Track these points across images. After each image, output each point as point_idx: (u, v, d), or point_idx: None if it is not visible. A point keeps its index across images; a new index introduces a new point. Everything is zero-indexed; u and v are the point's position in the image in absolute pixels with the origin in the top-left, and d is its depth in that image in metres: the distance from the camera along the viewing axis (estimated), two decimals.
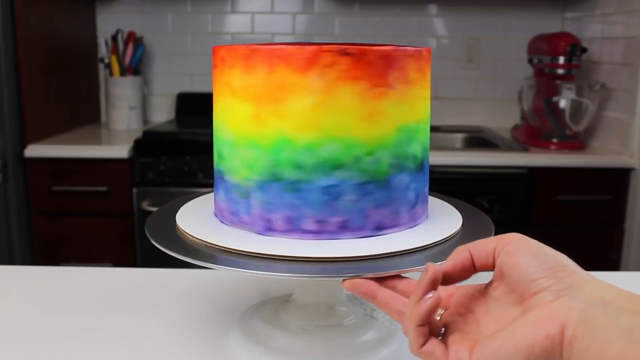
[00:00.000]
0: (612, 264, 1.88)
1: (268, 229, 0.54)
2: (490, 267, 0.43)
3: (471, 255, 0.44)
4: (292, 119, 0.52)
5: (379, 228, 0.54)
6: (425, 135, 0.57)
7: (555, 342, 0.36)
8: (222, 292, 0.76)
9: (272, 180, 0.53)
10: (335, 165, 0.52)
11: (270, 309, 0.63)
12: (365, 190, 0.53)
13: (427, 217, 0.60)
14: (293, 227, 0.53)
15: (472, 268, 0.44)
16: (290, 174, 0.52)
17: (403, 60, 0.53)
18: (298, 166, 0.52)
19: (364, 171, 0.52)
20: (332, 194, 0.52)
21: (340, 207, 0.53)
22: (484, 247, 0.43)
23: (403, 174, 0.55)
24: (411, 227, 0.57)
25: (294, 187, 0.52)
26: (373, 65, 0.51)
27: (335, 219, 0.53)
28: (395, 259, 0.51)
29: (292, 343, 0.58)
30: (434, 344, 0.42)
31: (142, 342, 0.64)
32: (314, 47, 0.51)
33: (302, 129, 0.51)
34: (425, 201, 0.60)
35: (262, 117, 0.53)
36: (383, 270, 0.49)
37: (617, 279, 0.90)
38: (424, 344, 0.42)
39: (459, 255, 0.44)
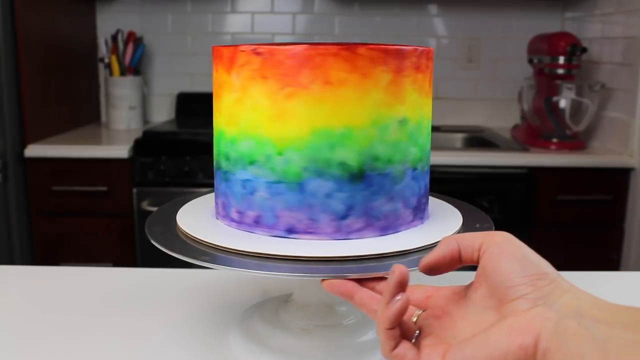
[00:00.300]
0: (612, 264, 1.88)
1: (217, 212, 0.60)
2: (475, 262, 0.43)
3: (459, 247, 0.43)
4: (223, 114, 0.56)
5: (291, 231, 0.53)
6: (372, 143, 0.52)
7: (529, 353, 0.36)
8: (222, 292, 0.76)
9: (217, 168, 0.59)
10: (250, 161, 0.54)
11: (270, 309, 0.63)
12: (276, 190, 0.53)
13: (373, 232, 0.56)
14: (225, 214, 0.58)
15: (458, 260, 0.43)
16: (223, 164, 0.57)
17: (319, 59, 0.50)
18: (227, 158, 0.56)
19: (274, 170, 0.52)
20: (248, 188, 0.54)
21: (254, 202, 0.54)
22: (471, 241, 0.43)
23: (322, 180, 0.52)
24: (337, 239, 0.53)
25: (226, 176, 0.57)
26: (282, 65, 0.51)
27: (251, 213, 0.55)
28: (394, 259, 0.51)
29: (292, 343, 0.58)
30: (405, 347, 0.41)
31: (142, 342, 0.64)
32: (233, 47, 0.53)
33: (228, 124, 0.55)
34: (378, 218, 0.54)
35: (215, 111, 0.58)
36: (383, 270, 0.49)
37: (617, 279, 0.90)
38: (395, 347, 0.41)
39: (448, 246, 0.44)
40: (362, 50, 0.51)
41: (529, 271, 0.39)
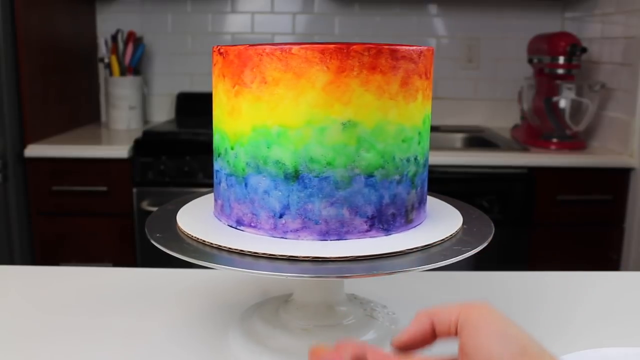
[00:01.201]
0: (612, 264, 1.88)
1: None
2: (453, 336, 0.41)
3: (432, 323, 0.41)
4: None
5: (239, 223, 0.56)
6: (308, 144, 0.51)
7: None
8: (222, 292, 0.76)
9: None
10: (218, 153, 0.58)
11: (270, 309, 0.63)
12: (230, 182, 0.56)
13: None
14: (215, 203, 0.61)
15: (432, 336, 0.41)
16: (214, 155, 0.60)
17: (257, 59, 0.51)
18: (212, 150, 0.60)
19: (229, 164, 0.56)
20: (218, 178, 0.59)
21: (219, 191, 0.58)
22: (446, 316, 0.40)
23: (261, 176, 0.53)
24: (276, 237, 0.53)
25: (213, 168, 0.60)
26: (232, 64, 0.53)
27: (219, 201, 0.59)
28: (394, 259, 0.51)
29: (292, 343, 0.58)
30: None
31: (142, 342, 0.64)
32: (214, 47, 0.56)
33: (213, 118, 0.59)
34: (316, 221, 0.53)
35: None
36: (382, 270, 0.49)
37: (617, 279, 0.90)
38: None
39: (419, 324, 0.41)
40: (295, 49, 0.50)
41: (510, 349, 0.37)
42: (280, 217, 0.53)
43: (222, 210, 0.58)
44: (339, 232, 0.53)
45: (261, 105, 0.52)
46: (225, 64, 0.54)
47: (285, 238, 0.53)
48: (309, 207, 0.52)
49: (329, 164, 0.51)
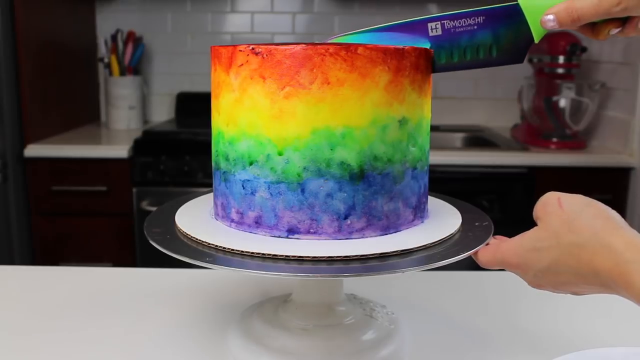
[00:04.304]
0: None
1: (217, 213, 0.59)
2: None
3: None
4: (222, 114, 0.56)
5: (292, 231, 0.53)
6: (372, 142, 0.52)
7: None
8: (221, 292, 0.76)
9: (216, 168, 0.59)
10: (250, 162, 0.54)
11: (270, 308, 0.63)
12: (276, 190, 0.53)
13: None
14: (225, 214, 0.57)
15: None
16: (223, 164, 0.57)
17: (318, 59, 0.50)
18: (226, 158, 0.56)
19: (275, 170, 0.53)
20: (248, 188, 0.54)
21: (254, 202, 0.54)
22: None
23: (323, 180, 0.52)
24: (339, 239, 0.53)
25: (225, 177, 0.56)
26: (281, 65, 0.51)
27: (252, 213, 0.55)
28: (394, 258, 0.51)
29: (291, 343, 0.58)
30: None
31: (141, 342, 0.64)
32: (231, 47, 0.53)
33: (227, 124, 0.55)
34: (379, 217, 0.54)
35: (213, 111, 0.58)
36: (383, 269, 0.49)
37: None
38: None
39: None
40: (361, 49, 0.51)
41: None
42: (345, 218, 0.53)
43: (258, 223, 0.54)
44: (396, 224, 0.55)
45: (323, 106, 0.51)
46: (266, 65, 0.51)
47: (350, 239, 0.53)
48: (374, 204, 0.54)
49: (389, 160, 0.54)
